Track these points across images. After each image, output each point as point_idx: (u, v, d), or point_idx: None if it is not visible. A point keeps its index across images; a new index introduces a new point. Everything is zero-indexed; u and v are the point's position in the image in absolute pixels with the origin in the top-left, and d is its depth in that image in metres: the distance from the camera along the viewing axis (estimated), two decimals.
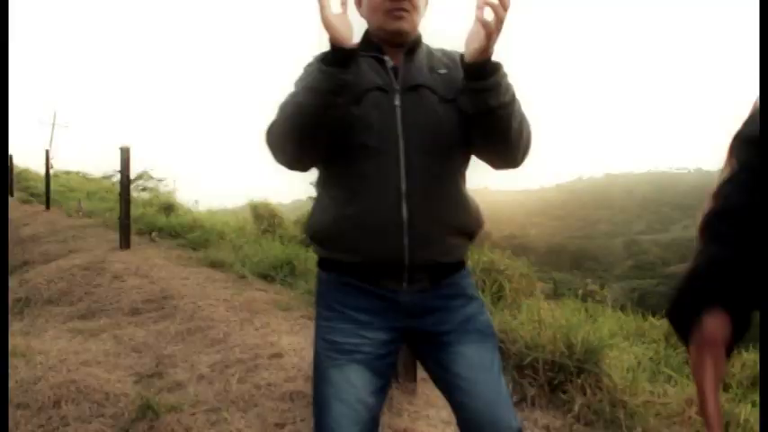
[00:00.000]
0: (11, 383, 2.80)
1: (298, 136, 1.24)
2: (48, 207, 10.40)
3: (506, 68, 1.20)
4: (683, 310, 1.01)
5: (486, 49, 1.13)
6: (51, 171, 20.46)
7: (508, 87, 1.20)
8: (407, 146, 1.28)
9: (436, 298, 1.35)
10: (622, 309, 5.24)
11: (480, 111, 1.21)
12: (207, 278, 5.10)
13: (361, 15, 1.43)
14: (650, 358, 4.09)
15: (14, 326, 4.12)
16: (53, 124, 30.38)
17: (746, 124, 1.17)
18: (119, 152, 6.18)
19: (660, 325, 4.97)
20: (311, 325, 3.72)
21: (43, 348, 3.52)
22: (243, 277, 5.16)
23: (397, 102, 1.31)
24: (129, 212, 6.30)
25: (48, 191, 10.65)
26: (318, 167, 1.40)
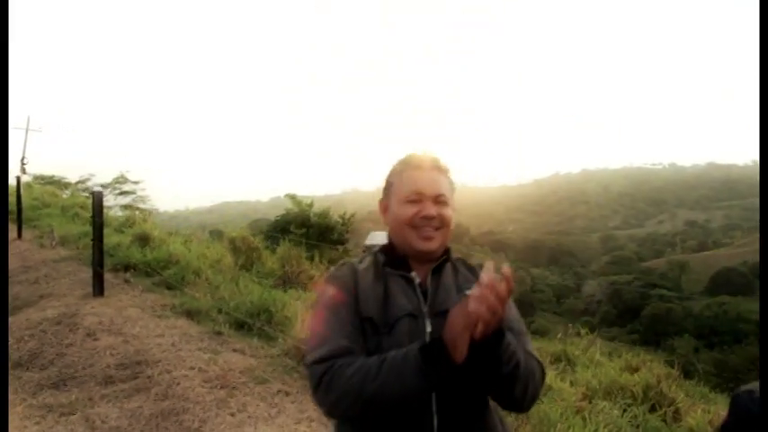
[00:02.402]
0: None
1: (366, 411, 1.18)
2: (20, 235, 10.13)
3: (508, 339, 1.17)
4: None
5: (482, 333, 1.10)
6: (24, 178, 19.95)
7: (510, 358, 1.17)
8: None
9: None
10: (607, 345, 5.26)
11: (483, 375, 1.20)
12: (182, 335, 5.00)
13: (385, 223, 1.37)
14: (630, 421, 4.12)
15: None
16: (26, 129, 29.66)
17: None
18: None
19: (638, 378, 4.99)
20: (288, 404, 3.69)
21: None
22: (219, 333, 5.08)
23: (428, 329, 1.25)
24: (103, 260, 6.16)
25: (20, 218, 10.36)
26: None
